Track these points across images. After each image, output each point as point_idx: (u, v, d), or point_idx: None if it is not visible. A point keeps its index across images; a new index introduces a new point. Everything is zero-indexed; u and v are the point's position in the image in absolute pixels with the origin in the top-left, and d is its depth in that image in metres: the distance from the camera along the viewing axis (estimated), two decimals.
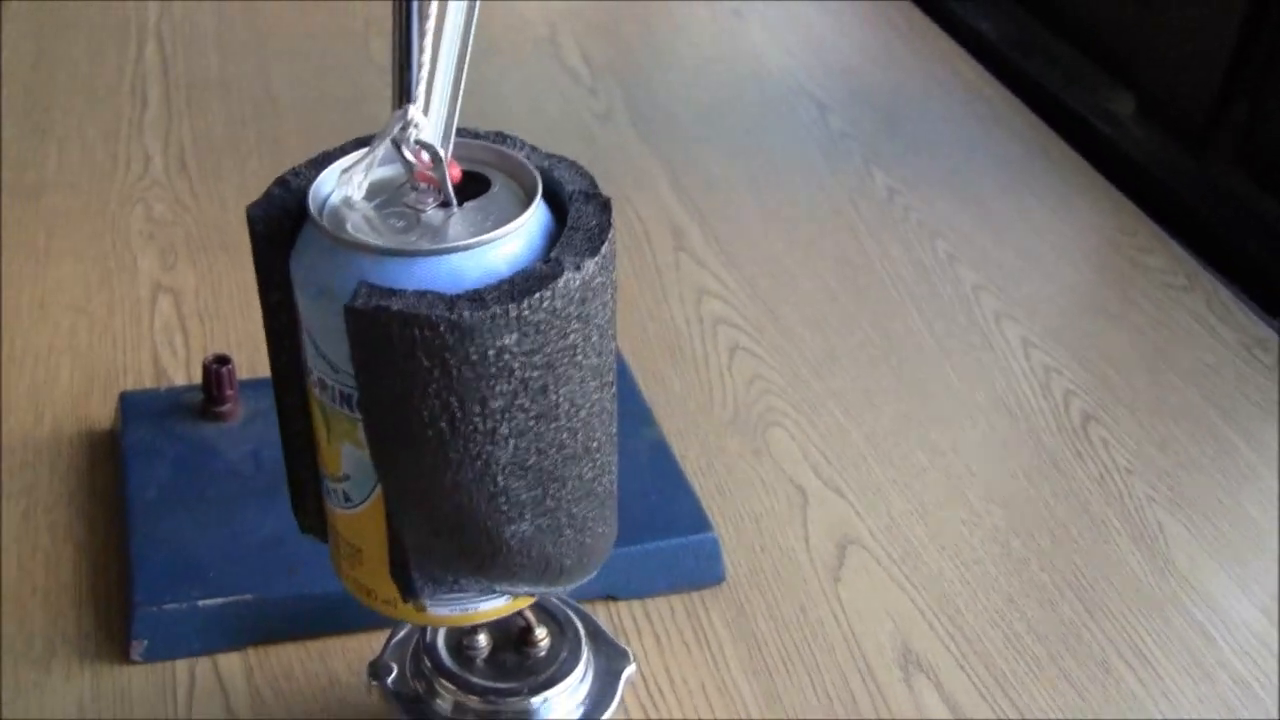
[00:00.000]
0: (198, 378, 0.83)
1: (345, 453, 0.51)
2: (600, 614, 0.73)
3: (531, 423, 0.47)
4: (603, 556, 0.55)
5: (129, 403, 0.81)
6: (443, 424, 0.46)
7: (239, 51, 1.25)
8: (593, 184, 0.50)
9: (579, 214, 0.49)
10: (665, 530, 0.74)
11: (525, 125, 1.16)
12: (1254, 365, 0.95)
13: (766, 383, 0.90)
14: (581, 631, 0.62)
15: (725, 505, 0.80)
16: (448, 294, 0.45)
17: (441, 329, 0.44)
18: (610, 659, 0.63)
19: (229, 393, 0.79)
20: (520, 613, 0.61)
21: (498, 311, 0.44)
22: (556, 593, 0.54)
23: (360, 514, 0.52)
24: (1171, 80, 1.19)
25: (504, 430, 0.47)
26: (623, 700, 0.62)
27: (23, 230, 0.99)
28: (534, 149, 0.52)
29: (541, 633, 0.62)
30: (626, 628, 0.72)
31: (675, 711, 0.68)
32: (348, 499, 0.52)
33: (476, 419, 0.46)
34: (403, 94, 0.70)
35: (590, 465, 0.51)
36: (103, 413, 0.84)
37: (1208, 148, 1.15)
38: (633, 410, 0.82)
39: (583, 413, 0.49)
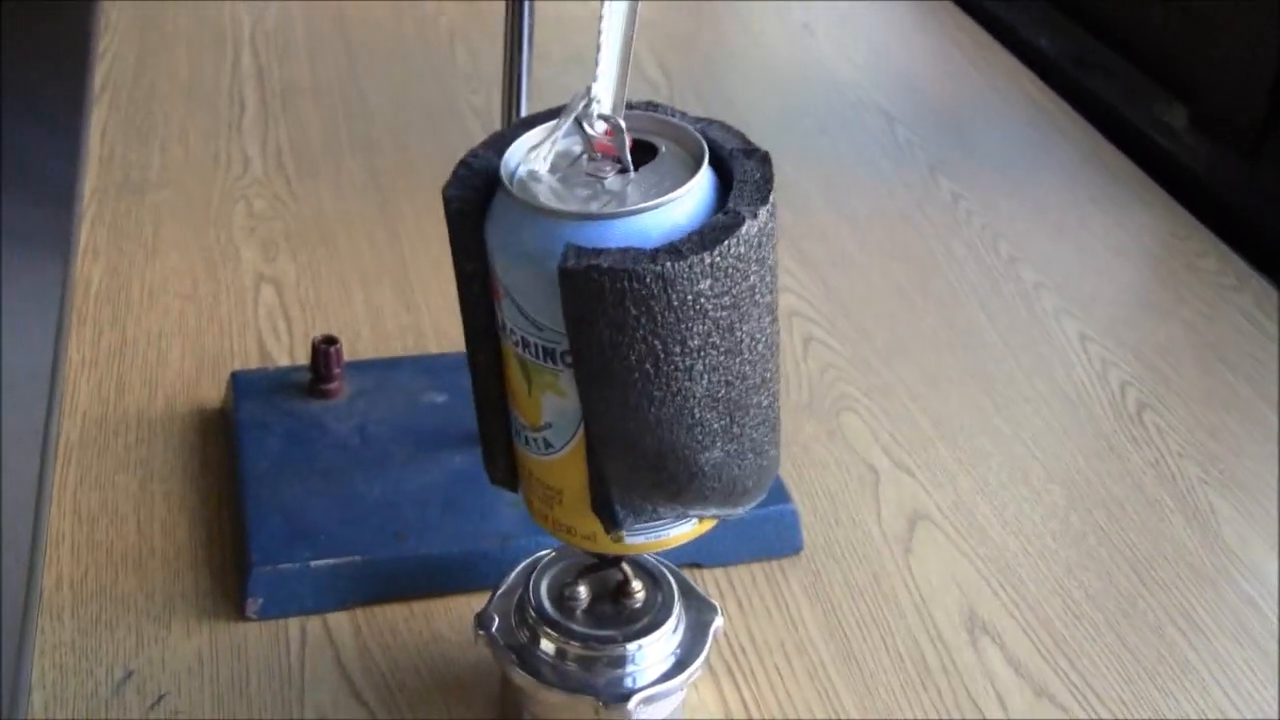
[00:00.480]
0: (301, 360, 0.88)
1: (547, 403, 0.56)
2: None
3: (722, 358, 0.53)
4: (771, 478, 0.59)
5: (240, 381, 0.85)
6: (648, 365, 0.51)
7: (330, 60, 1.30)
8: (746, 141, 0.55)
9: (743, 169, 0.54)
10: None
11: None
12: None
13: (839, 371, 0.95)
14: (674, 586, 0.66)
15: (802, 483, 0.85)
16: (648, 248, 0.50)
17: (648, 280, 0.50)
18: (700, 612, 0.67)
19: (336, 371, 0.84)
20: (619, 566, 0.65)
21: (695, 260, 0.50)
22: (736, 514, 0.59)
23: (561, 458, 0.57)
24: (1223, 94, 1.23)
25: (699, 367, 0.52)
26: (709, 653, 0.66)
27: (131, 224, 1.05)
28: (684, 114, 0.57)
29: (637, 585, 0.65)
30: (711, 593, 0.76)
31: (758, 668, 0.73)
32: (549, 446, 0.57)
33: (677, 358, 0.52)
34: (510, 99, 0.76)
35: (766, 394, 0.56)
36: (212, 392, 0.88)
37: (1258, 157, 1.19)
38: None
39: (760, 346, 0.54)
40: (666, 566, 0.68)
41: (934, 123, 1.29)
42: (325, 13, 1.39)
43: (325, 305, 0.97)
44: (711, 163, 0.55)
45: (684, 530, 0.60)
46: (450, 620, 0.74)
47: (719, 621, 0.67)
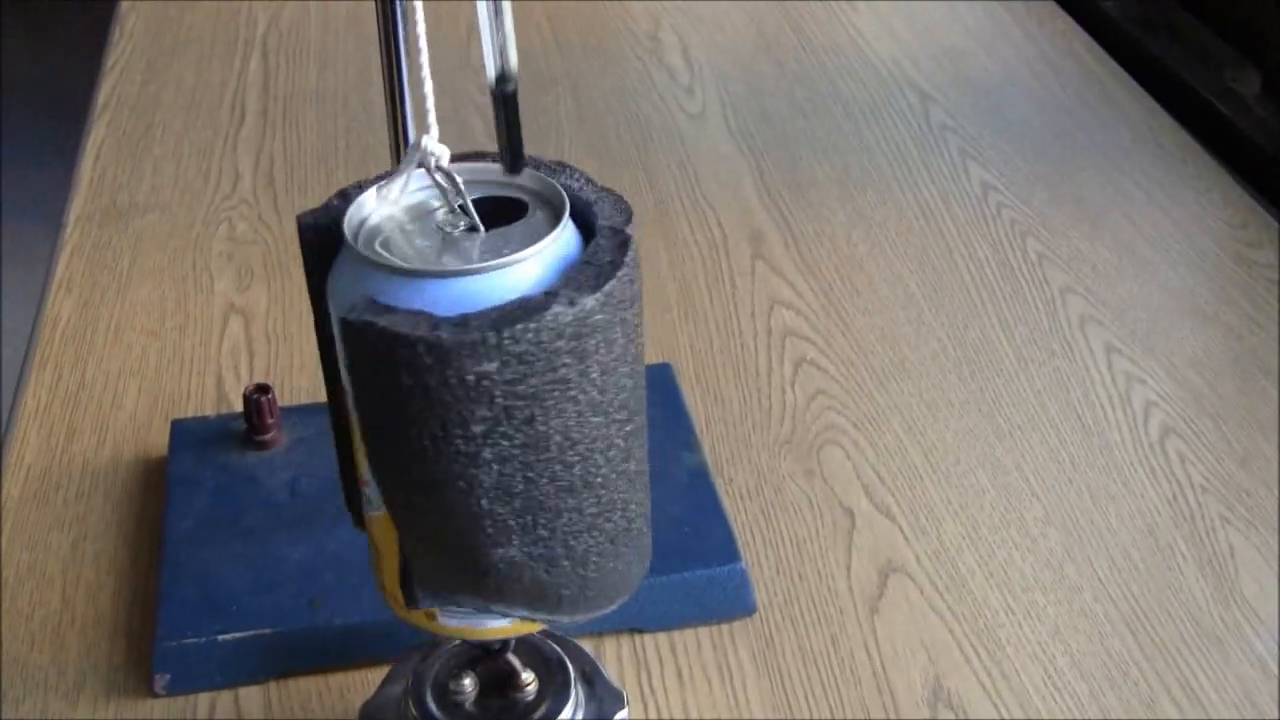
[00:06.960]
0: None
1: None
2: (625, 647, 0.71)
3: (516, 451, 0.47)
4: (617, 592, 0.53)
5: (179, 431, 0.81)
6: (426, 441, 0.47)
7: (341, 62, 1.25)
8: (627, 219, 0.50)
9: (597, 249, 0.48)
10: (693, 561, 0.72)
11: (620, 126, 1.15)
12: None
13: (829, 398, 0.86)
14: (573, 674, 0.61)
15: (768, 530, 0.77)
16: (438, 316, 0.45)
17: (419, 349, 0.45)
18: (604, 702, 0.62)
19: (269, 421, 0.79)
20: (507, 657, 0.60)
21: (478, 337, 0.45)
22: (560, 621, 0.53)
23: (380, 517, 0.52)
24: None
25: (487, 455, 0.47)
26: None
27: (109, 254, 1.01)
28: (590, 181, 0.52)
29: (528, 676, 0.60)
30: (650, 661, 0.70)
31: None
32: (370, 502, 0.53)
33: (458, 440, 0.46)
34: (397, 127, 0.70)
35: (593, 500, 0.50)
36: (161, 439, 0.84)
37: None
38: (676, 434, 0.80)
39: (580, 447, 0.48)
40: (571, 650, 0.62)
41: (973, 101, 1.19)
42: (339, 10, 1.33)
43: (292, 338, 0.92)
44: (587, 236, 0.49)
45: (502, 624, 0.54)
46: (366, 693, 0.68)
47: (623, 713, 0.61)
